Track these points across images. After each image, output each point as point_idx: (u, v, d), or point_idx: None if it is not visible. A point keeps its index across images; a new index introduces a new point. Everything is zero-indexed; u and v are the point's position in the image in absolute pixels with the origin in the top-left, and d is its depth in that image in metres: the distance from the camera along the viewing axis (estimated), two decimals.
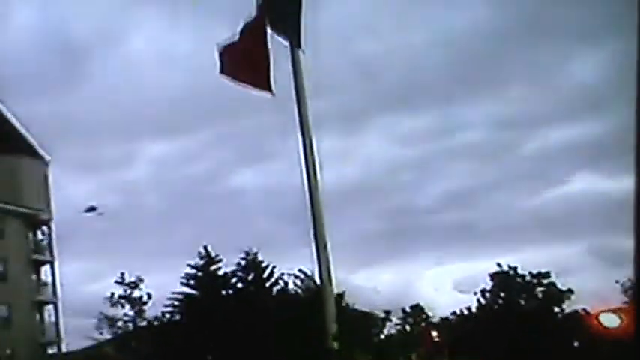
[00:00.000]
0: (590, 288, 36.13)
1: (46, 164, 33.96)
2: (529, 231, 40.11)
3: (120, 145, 47.39)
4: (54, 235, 33.97)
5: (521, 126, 46.38)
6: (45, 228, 34.30)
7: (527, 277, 36.47)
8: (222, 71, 5.58)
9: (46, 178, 34.05)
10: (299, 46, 5.24)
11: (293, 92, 5.41)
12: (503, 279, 36.41)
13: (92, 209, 29.97)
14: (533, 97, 44.97)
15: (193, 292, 28.58)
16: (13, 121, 32.22)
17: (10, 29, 43.44)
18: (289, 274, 28.53)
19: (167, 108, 40.69)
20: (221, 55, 5.59)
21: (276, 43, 5.44)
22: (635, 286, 1.88)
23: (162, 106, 40.86)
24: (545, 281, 36.29)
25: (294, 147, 5.49)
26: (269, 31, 5.39)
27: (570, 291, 35.61)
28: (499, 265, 36.20)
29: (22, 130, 32.53)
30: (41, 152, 33.81)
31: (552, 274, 35.97)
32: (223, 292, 28.72)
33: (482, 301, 36.79)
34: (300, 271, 28.43)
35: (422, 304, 40.68)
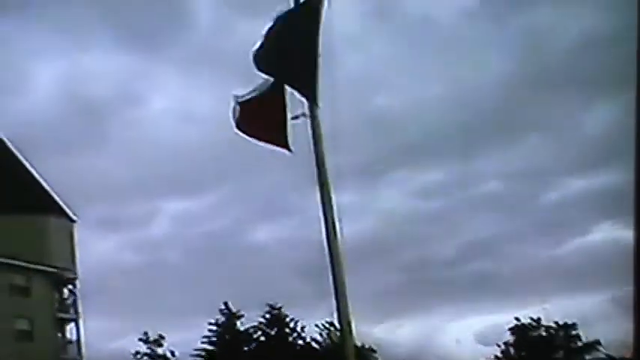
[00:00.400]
0: (614, 338, 35.38)
1: (72, 222, 34.18)
2: (551, 281, 39.52)
3: (142, 202, 47.72)
4: (78, 293, 33.99)
5: (540, 176, 46.17)
6: (70, 286, 34.35)
7: (552, 329, 35.81)
8: (238, 127, 5.61)
9: (71, 236, 34.24)
10: (316, 101, 5.27)
11: (311, 148, 5.43)
12: (526, 331, 35.76)
13: None
14: (551, 147, 44.87)
15: (215, 349, 28.31)
16: (40, 180, 32.61)
17: (33, 90, 44.33)
18: (314, 326, 28.25)
19: (187, 165, 41.07)
20: (236, 111, 5.63)
21: (294, 99, 5.48)
22: (635, 286, 1.83)
23: (182, 163, 41.26)
24: (572, 332, 35.58)
25: (312, 201, 5.49)
26: (286, 87, 5.43)
27: (598, 342, 34.84)
28: (517, 319, 35.60)
29: (49, 189, 32.90)
30: (67, 210, 34.07)
31: (578, 326, 35.34)
32: (245, 348, 28.45)
33: (506, 354, 36.08)
34: (325, 324, 28.15)
35: (444, 357, 39.99)
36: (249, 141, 5.57)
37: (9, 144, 31.69)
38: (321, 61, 5.07)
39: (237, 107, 5.47)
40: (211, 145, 40.62)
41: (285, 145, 5.37)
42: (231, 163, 36.41)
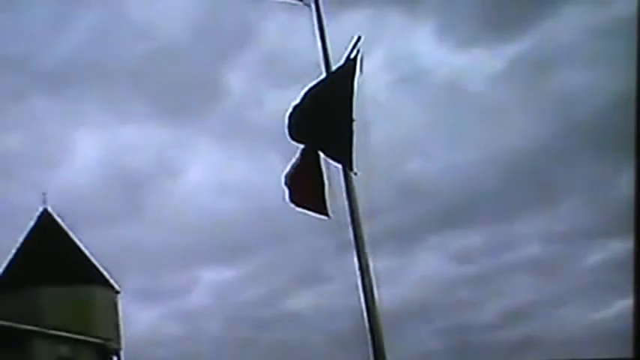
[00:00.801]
0: None
1: (116, 293, 34.34)
2: (595, 345, 38.23)
3: (180, 272, 47.83)
4: None
5: (580, 238, 45.27)
6: (115, 357, 34.26)
7: None
8: (291, 199, 5.64)
9: (115, 307, 34.33)
10: (352, 168, 5.28)
11: (347, 214, 5.41)
12: None
13: None
14: (589, 208, 44.09)
15: None
16: (85, 251, 32.98)
17: (74, 163, 45.27)
18: None
19: (223, 234, 41.21)
20: (287, 183, 5.67)
21: (330, 166, 5.49)
22: (635, 286, 1.75)
23: (219, 233, 41.41)
24: None
25: (350, 268, 5.43)
26: (321, 155, 5.47)
27: None
28: None
29: (94, 260, 33.21)
30: (111, 281, 34.28)
31: None
32: None
33: None
34: None
35: None
36: (284, 209, 5.60)
37: (55, 215, 32.25)
38: (355, 127, 5.11)
39: (286, 179, 5.50)
40: (246, 214, 40.84)
41: (324, 211, 5.37)
42: (267, 231, 36.47)
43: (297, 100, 5.41)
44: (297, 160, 5.42)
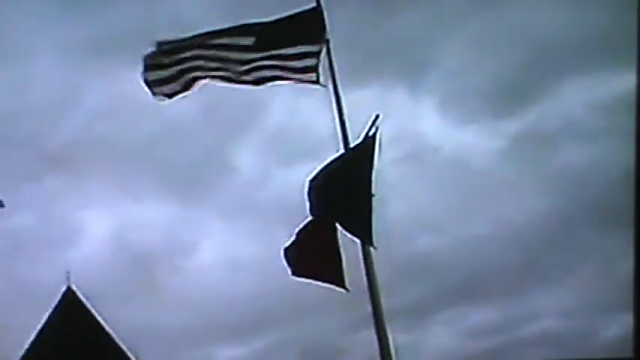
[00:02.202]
0: None
1: None
2: None
3: (194, 350, 47.05)
4: None
5: (594, 312, 44.37)
6: None
7: None
8: (294, 273, 5.64)
9: None
10: (372, 244, 5.31)
11: (366, 286, 5.41)
12: None
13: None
14: (602, 282, 43.41)
15: None
16: (107, 328, 32.68)
17: (87, 244, 45.16)
18: None
19: (235, 311, 40.66)
20: (287, 256, 5.67)
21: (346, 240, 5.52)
22: (635, 287, 1.74)
23: (231, 310, 40.88)
24: None
25: (363, 344, 5.40)
26: (339, 228, 5.50)
27: None
28: None
29: (115, 337, 32.85)
30: (132, 358, 33.78)
31: None
32: None
33: None
34: None
35: None
36: (297, 286, 5.59)
37: (78, 293, 32.06)
38: (374, 202, 5.18)
39: (286, 252, 5.53)
40: (258, 291, 40.29)
41: (342, 284, 5.38)
42: (279, 309, 35.97)
43: (314, 175, 5.52)
44: (308, 232, 5.47)
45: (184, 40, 6.61)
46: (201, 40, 6.47)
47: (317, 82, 6.15)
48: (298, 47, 6.19)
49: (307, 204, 5.47)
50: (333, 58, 6.01)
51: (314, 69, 6.11)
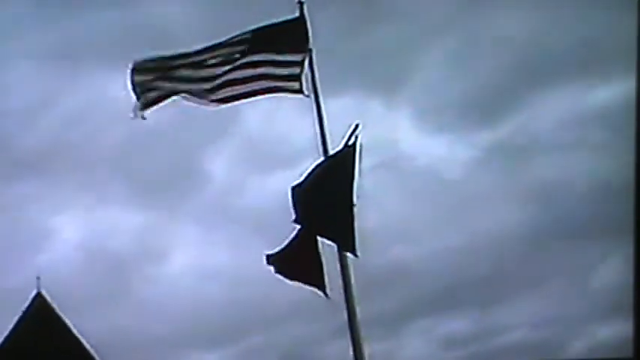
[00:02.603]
0: None
1: None
2: None
3: (167, 357, 46.65)
4: None
5: (567, 323, 44.70)
6: None
7: None
8: (277, 271, 5.66)
9: None
10: (354, 252, 5.32)
11: (342, 293, 5.43)
12: None
13: None
14: (573, 295, 43.81)
15: None
16: (78, 335, 32.31)
17: (58, 249, 44.65)
18: None
19: (208, 319, 40.40)
20: (270, 258, 5.69)
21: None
22: (635, 287, 1.78)
23: (203, 317, 40.60)
24: None
25: (337, 351, 5.40)
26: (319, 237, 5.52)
27: None
28: None
29: (85, 344, 32.46)
30: None
31: None
32: None
33: None
34: None
35: None
36: (271, 295, 5.60)
37: (48, 299, 31.68)
38: (356, 211, 5.22)
39: (270, 256, 5.55)
40: (231, 299, 40.13)
41: (323, 289, 5.39)
42: (251, 317, 35.85)
43: (297, 182, 5.55)
44: (294, 239, 5.49)
45: (166, 57, 6.63)
46: (182, 60, 6.50)
47: (300, 91, 6.18)
48: (282, 55, 6.22)
49: (292, 211, 5.50)
50: (316, 68, 6.06)
51: (297, 78, 6.14)
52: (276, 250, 5.58)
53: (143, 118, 6.61)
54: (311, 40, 6.16)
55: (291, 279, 5.61)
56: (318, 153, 5.64)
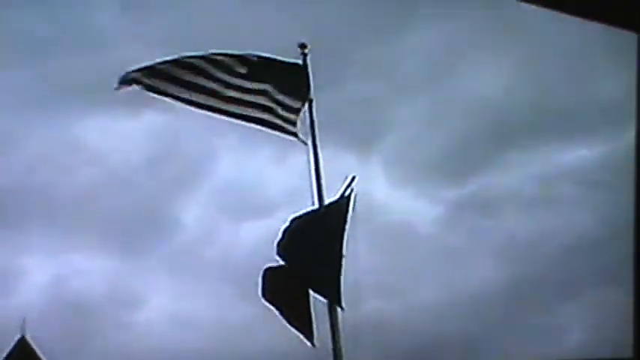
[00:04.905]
0: None
1: None
2: None
3: None
4: None
5: None
6: None
7: None
8: (264, 295, 5.64)
9: None
10: (340, 305, 5.40)
11: (330, 345, 5.51)
12: None
13: None
14: (552, 351, 43.68)
15: None
16: None
17: (22, 294, 43.56)
18: None
19: None
20: (264, 279, 5.66)
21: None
22: (635, 287, 1.85)
23: None
24: None
25: None
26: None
27: None
28: None
29: None
30: None
31: None
32: None
33: None
34: None
35: None
36: (241, 343, 5.58)
37: (31, 342, 30.89)
38: (344, 263, 5.33)
39: (266, 277, 5.52)
40: (204, 348, 39.41)
41: (310, 338, 5.43)
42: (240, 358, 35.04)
43: (288, 224, 5.63)
44: (278, 275, 5.50)
45: (170, 61, 6.41)
46: (191, 61, 6.31)
47: (297, 136, 6.21)
48: (281, 95, 6.25)
49: (276, 249, 5.54)
50: (315, 118, 6.17)
51: (294, 124, 6.17)
52: (269, 267, 5.54)
53: (130, 84, 6.10)
54: (312, 89, 6.27)
55: (281, 316, 5.63)
56: (312, 201, 5.75)
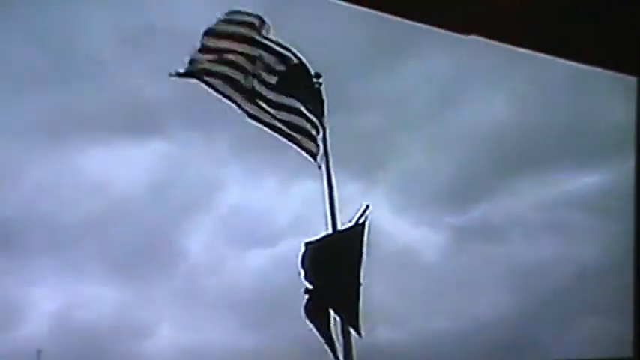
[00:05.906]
0: None
1: None
2: None
3: None
4: None
5: None
6: None
7: None
8: (307, 315, 5.55)
9: None
10: (358, 331, 5.43)
11: None
12: None
13: None
14: None
15: None
16: None
17: (28, 325, 43.29)
18: None
19: None
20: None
21: None
22: (635, 287, 1.87)
23: None
24: None
25: None
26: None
27: None
28: None
29: None
30: None
31: None
32: None
33: None
34: None
35: None
36: None
37: None
38: (362, 289, 5.37)
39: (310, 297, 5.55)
40: None
41: (335, 352, 5.45)
42: None
43: (308, 246, 5.65)
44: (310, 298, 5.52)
45: (244, 23, 6.51)
46: (251, 41, 6.36)
47: (314, 155, 6.28)
48: (302, 105, 6.29)
49: (302, 271, 5.58)
50: (329, 144, 6.21)
51: (314, 139, 6.24)
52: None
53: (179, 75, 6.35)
54: (326, 117, 6.36)
55: (313, 325, 5.65)
56: (326, 227, 5.80)
